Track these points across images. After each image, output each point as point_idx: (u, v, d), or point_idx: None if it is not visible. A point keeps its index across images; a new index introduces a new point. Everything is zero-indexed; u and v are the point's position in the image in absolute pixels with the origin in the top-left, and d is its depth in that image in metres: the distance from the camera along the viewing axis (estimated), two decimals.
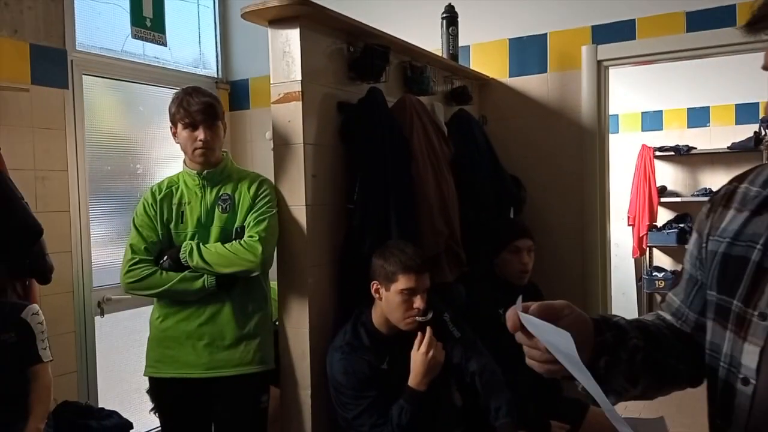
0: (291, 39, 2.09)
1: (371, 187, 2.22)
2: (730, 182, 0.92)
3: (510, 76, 3.20)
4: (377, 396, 2.01)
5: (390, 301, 2.05)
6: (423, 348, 1.99)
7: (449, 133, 2.75)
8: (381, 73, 2.34)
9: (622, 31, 2.92)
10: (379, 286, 2.08)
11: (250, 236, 2.09)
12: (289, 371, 2.17)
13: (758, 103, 4.91)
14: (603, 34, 2.96)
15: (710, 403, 0.87)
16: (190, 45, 3.68)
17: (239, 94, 3.80)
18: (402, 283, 2.02)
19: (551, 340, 0.77)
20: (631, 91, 5.20)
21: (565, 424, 2.37)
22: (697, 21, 2.76)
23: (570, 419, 2.40)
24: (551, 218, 3.10)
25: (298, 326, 2.14)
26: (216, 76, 3.81)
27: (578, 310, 0.84)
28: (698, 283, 0.93)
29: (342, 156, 2.28)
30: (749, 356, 0.79)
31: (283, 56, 2.11)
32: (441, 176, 2.50)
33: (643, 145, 5.44)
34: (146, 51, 3.32)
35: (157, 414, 2.33)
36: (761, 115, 4.81)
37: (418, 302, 2.02)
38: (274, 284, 2.26)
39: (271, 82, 2.14)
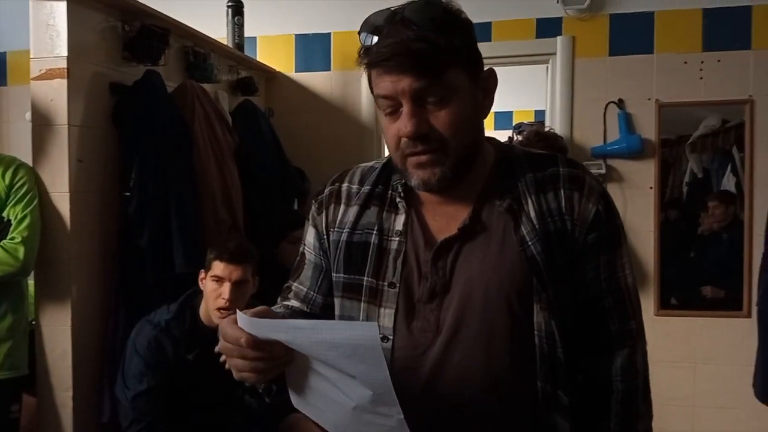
0: (56, 11, 1.93)
1: (148, 173, 2.13)
2: (333, 183, 1.09)
3: (296, 71, 3.27)
4: (164, 383, 1.97)
5: (206, 288, 2.05)
6: None
7: (234, 123, 2.74)
8: (159, 56, 2.25)
9: None
10: (203, 276, 2.07)
11: (12, 238, 1.91)
12: (46, 373, 2.00)
13: (512, 111, 5.63)
14: None
15: None
16: None
17: None
18: (213, 269, 2.02)
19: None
20: None
21: None
22: None
23: None
24: None
25: (58, 324, 1.98)
26: None
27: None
28: (323, 270, 1.08)
29: (115, 141, 2.15)
30: (386, 318, 0.97)
31: (46, 29, 1.94)
32: (224, 165, 2.48)
33: None
34: None
35: None
36: (514, 122, 5.51)
37: (225, 292, 1.99)
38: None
39: (32, 56, 1.96)
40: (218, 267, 2.00)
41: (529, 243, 0.93)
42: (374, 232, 1.00)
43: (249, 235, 2.63)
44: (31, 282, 2.09)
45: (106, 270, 2.12)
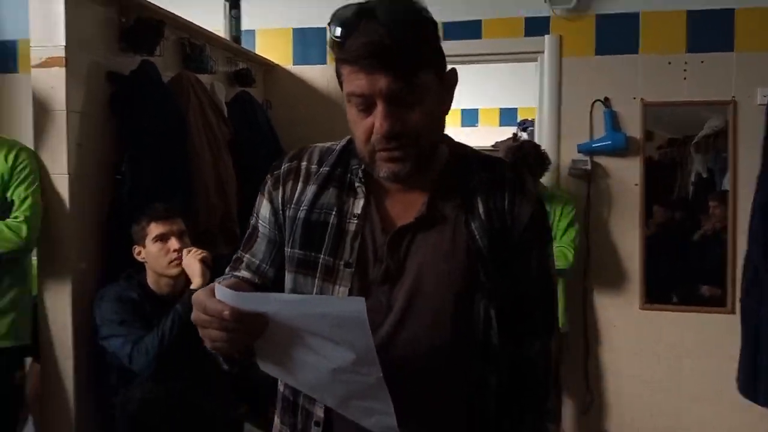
0: (54, 2, 2.03)
1: (141, 158, 2.23)
2: (291, 159, 1.10)
3: (294, 64, 3.37)
4: (137, 321, 2.03)
5: (150, 254, 2.13)
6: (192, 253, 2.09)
7: (230, 113, 2.83)
8: (155, 47, 2.35)
9: None
10: (140, 249, 2.15)
11: (15, 217, 2.03)
12: (48, 344, 2.11)
13: (517, 108, 5.68)
14: None
15: None
16: None
17: (5, 55, 3.48)
18: (153, 232, 2.11)
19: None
20: None
21: None
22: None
23: None
24: None
25: (59, 298, 2.09)
26: None
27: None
28: (276, 244, 1.10)
29: (112, 127, 2.26)
30: (340, 296, 1.00)
31: (44, 19, 2.05)
32: (218, 155, 2.58)
33: None
34: None
35: None
36: (519, 118, 5.57)
37: (173, 244, 2.11)
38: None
39: (32, 45, 2.07)
40: (157, 228, 2.11)
41: (477, 237, 1.00)
42: (333, 212, 1.03)
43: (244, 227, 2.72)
44: (34, 258, 2.19)
45: (102, 247, 2.23)
